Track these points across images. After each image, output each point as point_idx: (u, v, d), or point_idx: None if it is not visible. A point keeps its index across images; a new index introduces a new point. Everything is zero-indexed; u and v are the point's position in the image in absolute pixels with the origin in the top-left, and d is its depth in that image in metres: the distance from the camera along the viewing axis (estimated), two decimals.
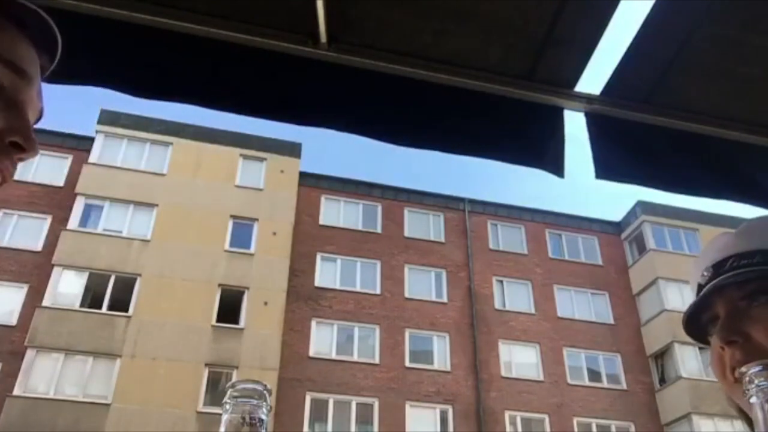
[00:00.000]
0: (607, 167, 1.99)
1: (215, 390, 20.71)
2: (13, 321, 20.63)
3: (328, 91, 1.97)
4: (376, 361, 23.28)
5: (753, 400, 0.59)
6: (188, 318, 21.67)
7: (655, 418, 24.59)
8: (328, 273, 24.83)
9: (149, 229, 23.21)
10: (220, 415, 0.59)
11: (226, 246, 23.62)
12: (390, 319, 24.25)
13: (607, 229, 29.33)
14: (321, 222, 25.92)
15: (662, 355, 25.69)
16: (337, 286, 24.55)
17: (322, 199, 26.55)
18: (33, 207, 21.98)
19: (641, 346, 26.22)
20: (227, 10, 1.86)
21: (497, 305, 25.78)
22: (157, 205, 23.73)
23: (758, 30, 1.92)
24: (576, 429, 23.71)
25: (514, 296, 26.28)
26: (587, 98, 2.04)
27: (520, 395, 23.82)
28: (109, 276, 22.02)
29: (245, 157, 25.83)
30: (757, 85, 2.05)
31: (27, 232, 22.12)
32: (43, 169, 22.69)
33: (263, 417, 0.59)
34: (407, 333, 24.19)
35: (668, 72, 2.01)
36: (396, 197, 27.51)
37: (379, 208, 27.03)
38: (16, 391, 19.03)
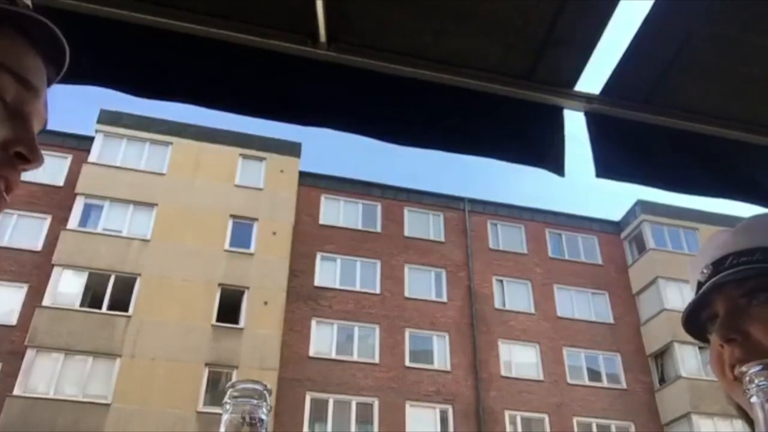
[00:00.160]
0: (607, 166, 1.99)
1: (215, 390, 20.71)
2: (13, 321, 20.63)
3: (328, 91, 1.97)
4: (376, 360, 23.28)
5: (753, 399, 0.59)
6: (188, 318, 21.67)
7: (654, 418, 24.59)
8: (327, 273, 24.83)
9: (149, 228, 23.21)
10: (220, 415, 0.59)
11: (226, 246, 23.62)
12: (390, 318, 24.26)
13: (607, 229, 29.33)
14: (321, 222, 25.92)
15: (662, 354, 25.70)
16: (337, 286, 24.55)
17: (322, 198, 26.55)
18: (33, 207, 21.97)
19: (641, 345, 26.22)
20: (227, 10, 1.86)
21: (497, 305, 25.78)
22: (156, 205, 23.73)
23: (758, 30, 1.92)
24: (576, 429, 23.72)
25: (514, 296, 26.28)
26: (587, 98, 2.04)
27: (520, 395, 23.82)
28: (109, 276, 22.01)
29: (245, 156, 25.82)
30: (757, 85, 2.05)
31: (27, 232, 22.11)
32: (43, 168, 22.57)
33: (263, 417, 0.59)
34: (407, 333, 24.19)
35: (668, 72, 2.01)
36: (396, 197, 27.51)
37: (379, 208, 27.03)
38: (16, 391, 19.03)
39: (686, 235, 27.83)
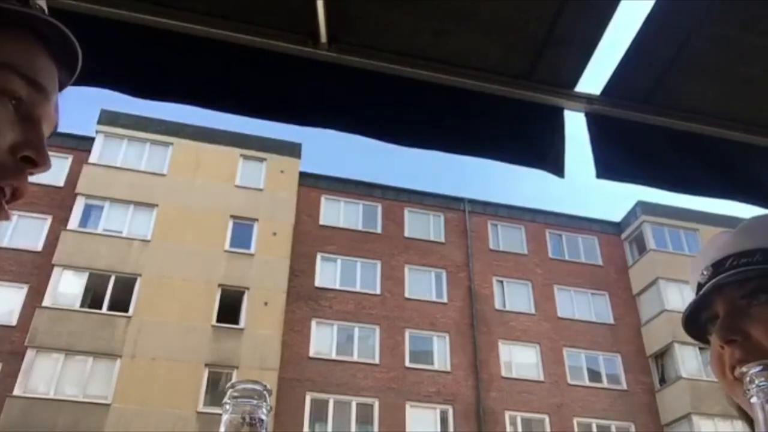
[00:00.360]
0: (608, 167, 1.99)
1: (215, 390, 20.71)
2: (13, 321, 20.63)
3: (328, 91, 1.97)
4: (376, 361, 23.28)
5: (753, 400, 0.59)
6: (188, 318, 21.68)
7: (655, 419, 24.59)
8: (328, 273, 24.83)
9: (149, 229, 23.21)
10: (220, 415, 0.59)
11: (226, 246, 23.62)
12: (390, 319, 24.26)
13: (607, 230, 29.33)
14: (321, 222, 25.92)
15: (662, 355, 25.69)
16: (337, 287, 24.55)
17: (322, 199, 26.55)
18: (33, 207, 21.97)
19: (641, 346, 26.22)
20: (227, 10, 1.86)
21: (497, 305, 25.78)
22: (157, 205, 23.74)
23: (758, 30, 1.92)
24: (576, 429, 23.71)
25: (514, 296, 26.28)
26: (587, 98, 2.04)
27: (520, 395, 23.82)
28: (109, 276, 22.02)
29: (245, 157, 25.83)
30: (757, 85, 2.05)
31: (27, 232, 22.11)
32: None
33: (263, 417, 0.59)
34: (407, 333, 24.19)
35: (668, 72, 2.01)
36: (396, 197, 27.51)
37: (379, 208, 27.03)
38: (16, 391, 19.04)
39: (687, 235, 27.83)
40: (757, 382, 0.58)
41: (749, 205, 2.06)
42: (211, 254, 23.17)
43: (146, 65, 1.85)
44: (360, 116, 1.98)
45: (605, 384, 25.08)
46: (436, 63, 1.98)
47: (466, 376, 23.73)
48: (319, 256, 25.00)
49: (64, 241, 22.07)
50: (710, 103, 2.07)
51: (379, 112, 1.99)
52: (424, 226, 27.13)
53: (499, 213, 28.39)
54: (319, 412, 21.93)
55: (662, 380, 25.48)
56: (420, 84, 1.98)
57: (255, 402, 0.59)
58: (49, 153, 0.70)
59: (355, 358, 23.24)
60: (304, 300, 23.77)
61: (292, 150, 26.46)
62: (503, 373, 24.18)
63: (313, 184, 26.66)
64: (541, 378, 24.52)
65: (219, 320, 22.13)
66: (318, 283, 24.41)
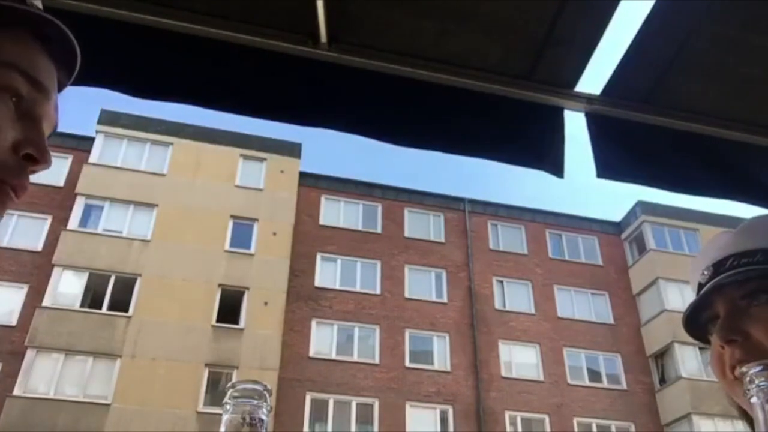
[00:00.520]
0: (608, 167, 1.99)
1: (215, 390, 20.71)
2: (13, 321, 20.63)
3: (328, 91, 1.97)
4: (376, 361, 23.28)
5: (753, 400, 0.59)
6: (188, 318, 21.68)
7: (655, 419, 24.59)
8: (328, 273, 24.83)
9: (149, 229, 23.22)
10: (220, 415, 0.59)
11: (226, 246, 23.63)
12: (390, 319, 24.26)
13: (607, 229, 29.33)
14: (321, 222, 25.92)
15: (662, 355, 25.69)
16: (337, 287, 24.55)
17: (322, 199, 26.55)
18: (33, 207, 21.97)
19: (641, 346, 26.22)
20: (227, 10, 1.86)
21: (497, 305, 25.78)
22: (157, 205, 23.74)
23: (758, 30, 1.92)
24: (576, 429, 23.71)
25: (514, 296, 26.28)
26: (587, 98, 2.04)
27: (520, 395, 23.82)
28: (109, 276, 22.02)
29: (245, 157, 25.84)
30: (757, 85, 2.05)
31: (27, 232, 22.12)
32: None
33: (263, 417, 0.59)
34: (407, 333, 24.19)
35: (668, 72, 2.01)
36: (396, 197, 27.52)
37: (379, 208, 27.04)
38: (16, 391, 19.04)
39: (687, 235, 27.83)
40: (757, 382, 0.58)
41: (749, 205, 2.06)
42: (211, 254, 23.17)
43: (146, 65, 1.85)
44: (360, 116, 1.97)
45: (605, 384, 25.08)
46: (436, 63, 1.98)
47: (466, 376, 23.73)
48: (319, 256, 25.01)
49: (64, 241, 22.07)
50: (710, 103, 2.07)
51: (379, 112, 1.99)
52: (424, 226, 27.13)
53: (499, 213, 28.39)
54: (319, 412, 21.93)
55: (662, 380, 25.48)
56: (420, 84, 1.98)
57: (255, 402, 0.59)
58: (50, 153, 0.70)
59: (355, 358, 23.24)
60: (304, 300, 23.77)
61: (292, 150, 26.47)
62: (503, 373, 24.18)
63: (313, 184, 26.66)
64: (541, 378, 24.52)
65: (219, 320, 22.13)
66: (318, 283, 24.41)
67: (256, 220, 24.47)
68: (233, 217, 24.34)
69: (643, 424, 24.35)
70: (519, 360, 24.74)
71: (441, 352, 24.18)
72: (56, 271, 21.55)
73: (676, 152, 2.10)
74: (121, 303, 21.57)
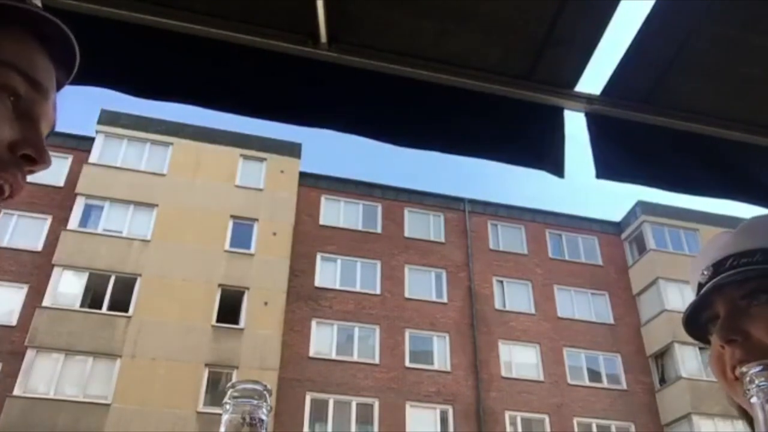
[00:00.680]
0: (608, 167, 1.99)
1: (215, 390, 20.71)
2: (13, 321, 20.63)
3: (328, 91, 1.97)
4: (376, 361, 23.28)
5: (753, 400, 0.59)
6: (188, 318, 21.68)
7: (655, 419, 24.59)
8: (328, 273, 24.83)
9: (149, 229, 23.21)
10: (220, 415, 0.59)
11: (226, 246, 23.62)
12: (390, 319, 24.25)
13: (607, 229, 29.33)
14: (321, 222, 25.92)
15: (662, 355, 25.69)
16: (337, 287, 24.55)
17: (322, 199, 26.55)
18: (33, 207, 21.98)
19: (641, 346, 26.22)
20: (227, 10, 1.86)
21: (497, 305, 25.78)
22: (157, 205, 23.73)
23: (758, 30, 1.92)
24: (576, 429, 23.71)
25: (514, 296, 26.28)
26: (587, 98, 2.04)
27: (520, 395, 23.82)
28: (109, 276, 22.02)
29: (245, 157, 25.84)
30: (757, 85, 2.04)
31: (27, 232, 22.12)
32: None
33: (263, 417, 0.59)
34: (407, 333, 24.19)
35: (668, 72, 2.01)
36: (396, 197, 27.51)
37: (379, 208, 27.03)
38: (16, 391, 19.04)
39: (687, 235, 27.82)
40: (757, 381, 0.58)
41: (749, 205, 2.06)
42: (211, 254, 23.17)
43: (146, 65, 1.85)
44: (360, 116, 1.97)
45: (605, 384, 25.07)
46: (436, 63, 1.98)
47: (466, 376, 23.73)
48: (319, 256, 25.00)
49: (64, 241, 22.07)
50: (710, 103, 2.07)
51: (378, 112, 1.99)
52: (424, 226, 27.13)
53: (499, 213, 28.39)
54: (319, 412, 21.93)
55: (662, 380, 25.47)
56: (420, 84, 1.98)
57: (255, 402, 0.59)
58: (49, 152, 0.70)
59: (355, 358, 23.24)
60: (304, 300, 23.77)
61: (292, 150, 26.46)
62: (503, 373, 24.18)
63: (313, 184, 26.66)
64: (541, 378, 24.52)
65: (219, 320, 22.13)
66: (318, 283, 24.41)
67: (256, 220, 24.47)
68: (233, 217, 24.34)
69: (643, 424, 24.35)
70: (519, 360, 24.74)
71: (441, 352, 24.18)
72: (56, 271, 21.55)
73: (676, 152, 2.10)
74: (121, 303, 21.56)
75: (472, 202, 28.24)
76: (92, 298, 21.69)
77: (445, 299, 25.37)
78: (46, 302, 20.82)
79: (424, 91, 1.99)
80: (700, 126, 2.09)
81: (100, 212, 23.26)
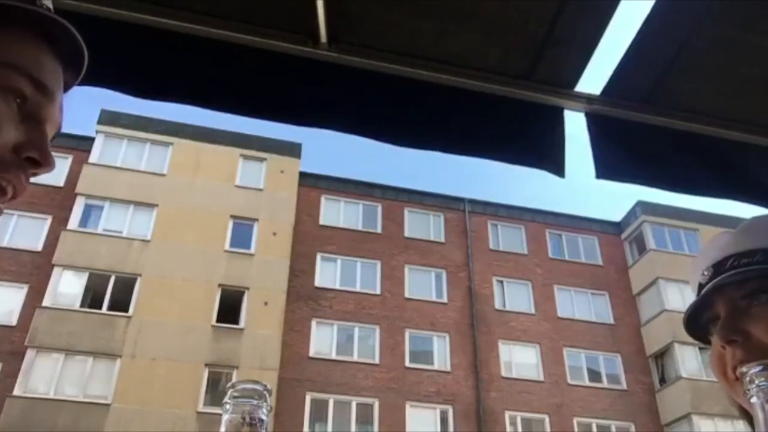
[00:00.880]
0: (608, 167, 1.99)
1: (215, 390, 20.71)
2: (13, 321, 20.63)
3: (328, 91, 1.97)
4: (376, 361, 23.28)
5: (754, 400, 0.59)
6: (188, 318, 21.68)
7: (655, 419, 24.59)
8: (328, 273, 24.83)
9: (149, 229, 23.21)
10: (220, 415, 0.59)
11: (226, 246, 23.63)
12: (390, 319, 24.26)
13: (607, 229, 29.33)
14: (321, 222, 25.92)
15: (662, 355, 25.69)
16: (337, 287, 24.55)
17: (322, 199, 26.55)
18: (33, 207, 21.97)
19: (641, 346, 26.22)
20: (227, 10, 1.86)
21: (497, 305, 25.78)
22: (157, 205, 23.74)
23: (758, 30, 1.92)
24: (576, 429, 23.71)
25: (514, 296, 26.28)
26: (587, 98, 2.04)
27: (520, 395, 23.82)
28: (109, 276, 22.02)
29: (245, 157, 25.84)
30: (757, 85, 2.04)
31: (27, 232, 22.12)
32: None
33: (263, 417, 0.59)
34: (407, 333, 24.19)
35: (668, 72, 2.01)
36: (396, 197, 27.51)
37: (379, 209, 27.03)
38: (16, 391, 19.04)
39: (687, 235, 27.83)
40: (757, 382, 0.58)
41: (749, 205, 2.06)
42: (211, 254, 23.17)
43: (146, 65, 1.85)
44: (360, 116, 1.97)
45: (605, 384, 25.08)
46: (436, 63, 1.98)
47: (466, 376, 23.73)
48: (319, 256, 25.00)
49: (64, 241, 22.07)
50: (710, 103, 2.07)
51: (378, 112, 1.99)
52: (424, 226, 27.13)
53: (499, 213, 28.39)
54: (319, 412, 21.93)
55: (662, 380, 25.47)
56: (420, 84, 1.98)
57: (255, 402, 0.59)
58: (53, 156, 0.69)
59: (355, 358, 23.24)
60: (304, 300, 23.77)
61: (292, 150, 26.47)
62: (503, 373, 24.18)
63: (313, 184, 26.66)
64: (541, 378, 24.52)
65: (219, 320, 22.13)
66: (318, 283, 24.41)
67: (256, 220, 24.47)
68: (233, 217, 24.34)
69: (643, 424, 24.35)
70: (519, 360, 24.74)
71: (441, 352, 24.18)
72: (56, 271, 21.55)
73: (676, 152, 2.10)
74: (121, 303, 21.57)
75: (472, 202, 28.24)
76: (92, 298, 21.69)
77: (445, 299, 25.37)
78: (46, 302, 20.83)
79: (424, 91, 1.99)
80: (700, 126, 2.09)
81: (100, 212, 23.26)
